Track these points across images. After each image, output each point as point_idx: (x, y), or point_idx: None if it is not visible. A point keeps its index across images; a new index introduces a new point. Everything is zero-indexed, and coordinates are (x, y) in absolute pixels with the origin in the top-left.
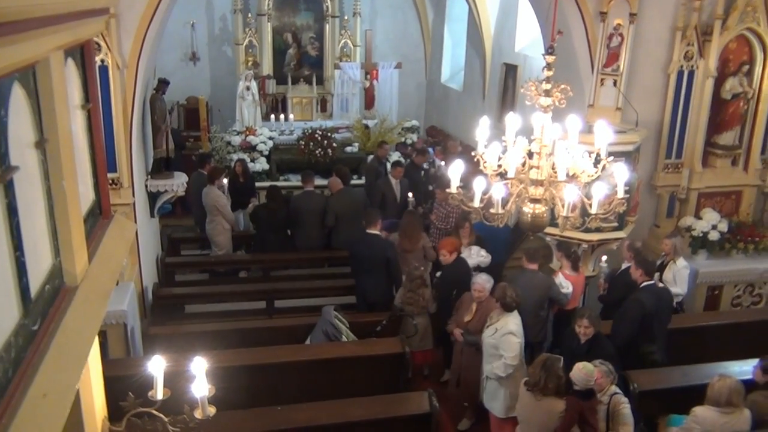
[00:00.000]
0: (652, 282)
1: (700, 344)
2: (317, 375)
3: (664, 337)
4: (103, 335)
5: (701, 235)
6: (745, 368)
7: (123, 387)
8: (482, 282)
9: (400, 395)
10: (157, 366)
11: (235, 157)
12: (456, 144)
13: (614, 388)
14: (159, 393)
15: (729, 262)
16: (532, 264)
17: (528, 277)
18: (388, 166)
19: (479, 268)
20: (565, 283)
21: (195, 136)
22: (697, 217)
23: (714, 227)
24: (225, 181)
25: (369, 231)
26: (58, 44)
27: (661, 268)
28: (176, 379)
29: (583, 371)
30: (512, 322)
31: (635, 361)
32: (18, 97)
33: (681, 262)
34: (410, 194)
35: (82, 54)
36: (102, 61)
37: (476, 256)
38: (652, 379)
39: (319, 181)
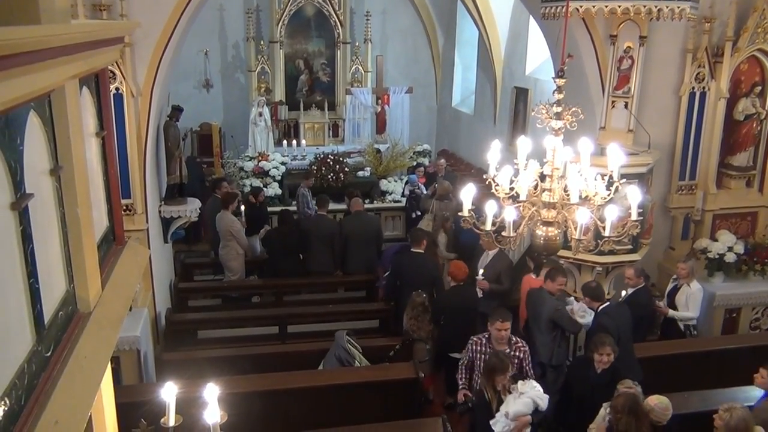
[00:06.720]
0: (607, 303)
1: (719, 368)
2: (330, 401)
3: (630, 356)
4: (116, 361)
5: (717, 257)
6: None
7: (135, 413)
8: None
9: (414, 421)
10: (169, 392)
11: (248, 182)
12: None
13: None
14: (171, 420)
15: (746, 284)
16: (545, 283)
17: (538, 295)
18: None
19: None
20: (583, 311)
21: (208, 162)
22: (713, 239)
23: (730, 249)
24: (242, 207)
25: (414, 250)
26: (73, 73)
27: (673, 292)
28: (189, 406)
29: (662, 407)
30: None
31: None
32: (33, 125)
33: (695, 285)
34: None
35: (97, 82)
36: (117, 89)
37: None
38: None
39: (332, 206)
